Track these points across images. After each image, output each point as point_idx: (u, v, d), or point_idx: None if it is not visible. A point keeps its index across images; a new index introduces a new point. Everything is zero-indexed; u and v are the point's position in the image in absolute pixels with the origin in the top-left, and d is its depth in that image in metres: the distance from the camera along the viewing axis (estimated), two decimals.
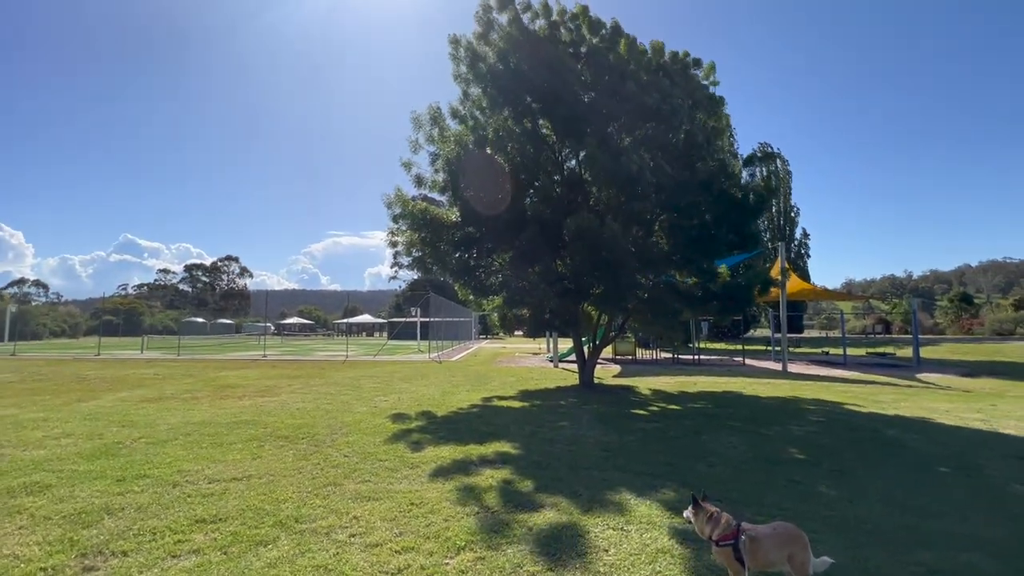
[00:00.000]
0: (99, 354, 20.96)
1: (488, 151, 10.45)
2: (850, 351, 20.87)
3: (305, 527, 3.26)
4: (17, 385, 10.60)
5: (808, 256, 42.21)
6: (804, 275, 35.15)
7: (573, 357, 14.64)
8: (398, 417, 7.13)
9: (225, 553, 2.89)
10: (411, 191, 10.70)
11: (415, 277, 63.78)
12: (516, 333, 17.10)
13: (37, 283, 74.00)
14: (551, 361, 17.93)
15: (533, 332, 12.70)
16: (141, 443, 5.47)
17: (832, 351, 22.96)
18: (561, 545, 3.03)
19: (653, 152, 9.45)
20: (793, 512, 3.54)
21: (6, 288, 66.15)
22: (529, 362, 18.52)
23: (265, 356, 20.14)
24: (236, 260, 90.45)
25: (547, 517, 3.47)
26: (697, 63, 10.71)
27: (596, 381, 11.43)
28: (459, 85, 10.57)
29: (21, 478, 4.22)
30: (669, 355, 20.33)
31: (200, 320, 61.13)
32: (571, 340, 12.57)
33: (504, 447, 5.48)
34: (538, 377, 13.22)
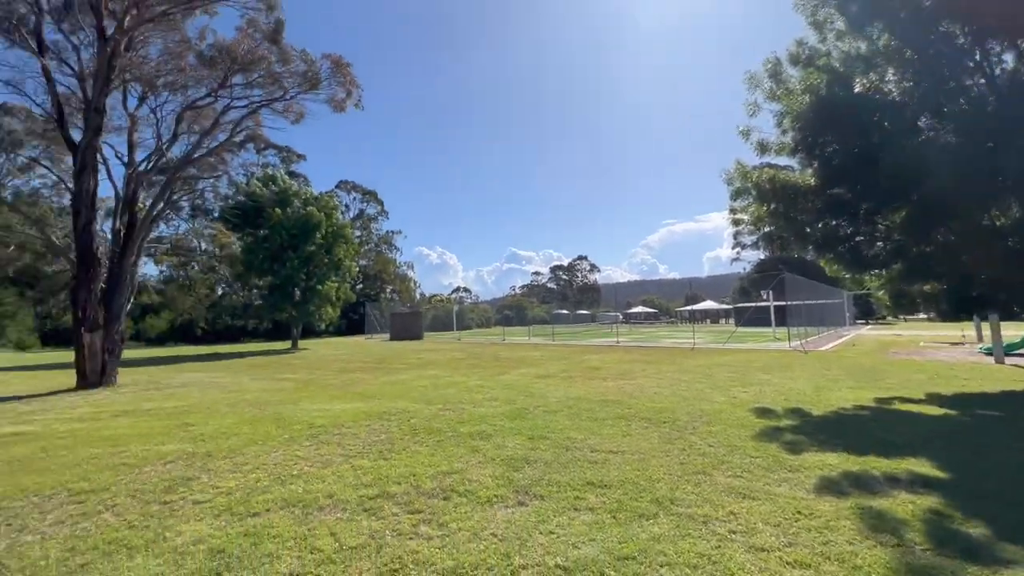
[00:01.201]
0: (504, 340, 27.83)
1: (855, 89, 8.32)
2: None
3: (681, 510, 3.33)
4: (463, 361, 15.21)
5: None
6: None
7: None
8: (763, 412, 6.49)
9: (614, 517, 3.26)
10: (752, 161, 9.62)
11: (762, 257, 57.45)
12: (916, 315, 12.96)
13: (465, 289, 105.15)
14: (987, 354, 12.71)
15: (950, 313, 9.32)
16: (539, 411, 6.86)
17: None
18: None
19: None
20: None
21: (451, 294, 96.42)
22: (945, 354, 13.69)
23: (618, 342, 22.17)
24: (586, 258, 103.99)
25: None
26: None
27: None
28: (803, 15, 8.81)
29: (474, 427, 5.97)
30: None
31: (564, 312, 72.91)
32: None
33: (922, 467, 4.18)
34: (965, 375, 9.59)
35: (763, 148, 9.37)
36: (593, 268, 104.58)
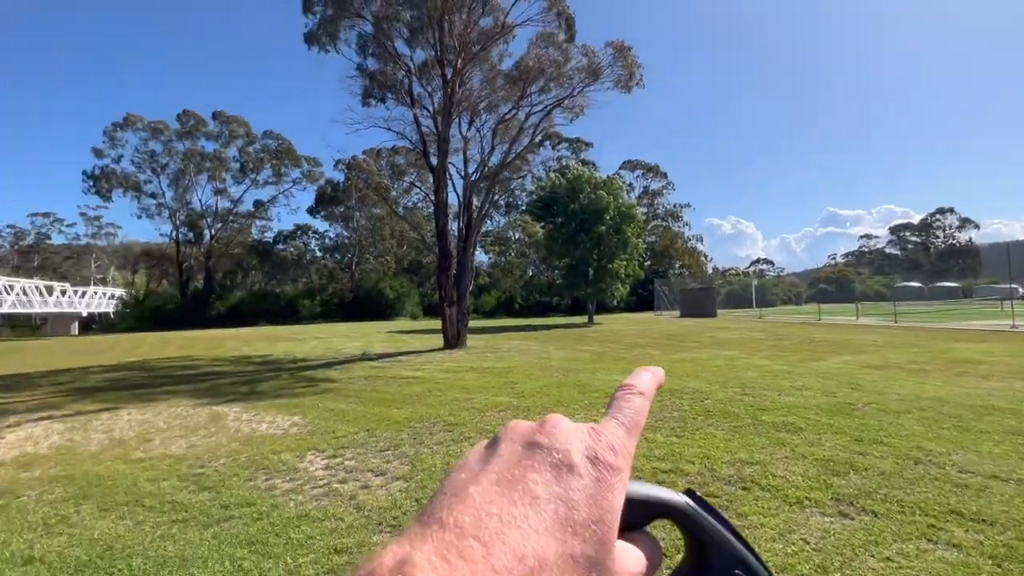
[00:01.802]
0: (820, 319, 23.39)
1: None
2: None
3: None
4: (765, 341, 13.56)
5: None
6: None
7: None
8: None
9: (999, 567, 2.39)
10: None
11: None
12: None
13: (766, 261, 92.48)
14: None
15: None
16: (872, 408, 5.55)
17: None
18: None
19: None
20: None
21: (749, 267, 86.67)
22: None
23: (1013, 327, 15.59)
24: (951, 211, 76.28)
25: None
26: None
27: None
28: None
29: (780, 417, 5.29)
30: None
31: (915, 284, 55.66)
32: None
33: None
34: None
35: None
36: (965, 223, 76.07)
